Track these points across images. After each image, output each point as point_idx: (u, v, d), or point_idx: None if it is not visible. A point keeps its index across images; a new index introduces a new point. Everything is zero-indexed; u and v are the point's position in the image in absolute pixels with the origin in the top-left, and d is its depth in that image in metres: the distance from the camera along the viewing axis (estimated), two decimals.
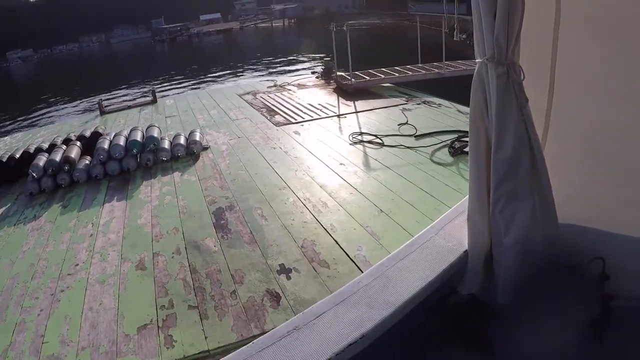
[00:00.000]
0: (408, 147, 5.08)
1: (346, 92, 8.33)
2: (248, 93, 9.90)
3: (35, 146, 6.65)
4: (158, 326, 2.82)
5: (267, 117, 7.46)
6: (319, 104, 7.86)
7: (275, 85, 10.44)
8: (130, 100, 13.08)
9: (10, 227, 4.72)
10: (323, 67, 10.32)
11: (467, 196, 1.57)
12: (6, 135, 11.36)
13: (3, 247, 4.29)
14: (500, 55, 1.29)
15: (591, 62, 1.50)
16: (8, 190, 5.86)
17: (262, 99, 8.98)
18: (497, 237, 1.52)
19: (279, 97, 8.99)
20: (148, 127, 6.33)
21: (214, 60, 37.64)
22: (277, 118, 7.32)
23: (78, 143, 6.25)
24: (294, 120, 7.03)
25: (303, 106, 7.89)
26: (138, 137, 5.94)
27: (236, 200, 4.41)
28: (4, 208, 5.31)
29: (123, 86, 25.41)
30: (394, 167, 4.60)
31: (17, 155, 6.39)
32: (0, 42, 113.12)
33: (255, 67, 26.83)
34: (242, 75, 23.83)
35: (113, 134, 6.37)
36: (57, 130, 8.94)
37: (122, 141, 5.85)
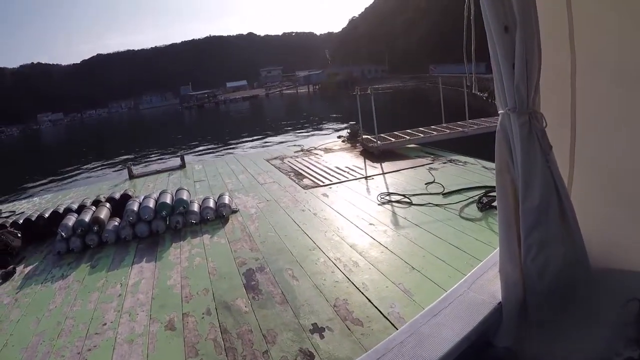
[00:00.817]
0: (436, 205, 5.10)
1: (372, 154, 8.48)
2: (275, 158, 10.15)
3: (64, 206, 6.79)
4: None
5: (295, 181, 7.59)
6: (346, 167, 8.01)
7: (302, 150, 10.67)
8: (159, 165, 13.47)
9: (38, 285, 4.78)
10: (349, 130, 10.56)
11: (498, 248, 1.56)
12: (34, 197, 11.78)
13: (30, 305, 4.31)
14: (522, 104, 1.33)
15: (610, 106, 1.53)
16: (36, 249, 5.94)
17: (289, 163, 9.18)
18: (530, 286, 1.50)
19: (306, 161, 9.20)
20: (177, 190, 6.43)
21: (241, 126, 38.68)
22: (305, 181, 7.44)
23: (107, 204, 6.36)
24: (321, 183, 7.14)
25: (330, 169, 8.03)
26: (167, 199, 6.03)
27: (266, 262, 4.42)
28: (32, 266, 5.37)
29: (151, 151, 26.24)
30: (423, 225, 4.61)
31: (46, 215, 6.52)
32: (33, 105, 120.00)
33: (281, 132, 27.51)
34: (269, 140, 24.35)
35: (142, 196, 6.46)
36: (86, 192, 9.23)
37: (151, 203, 5.93)
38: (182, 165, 10.84)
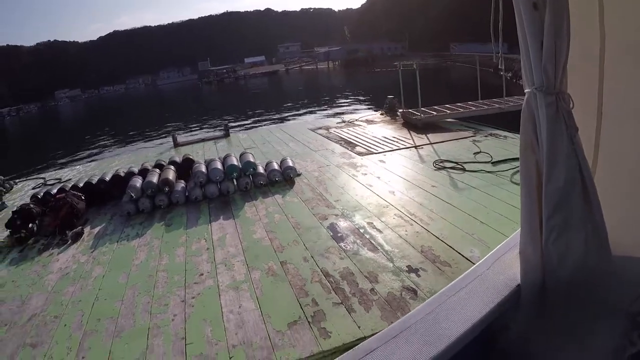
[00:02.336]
0: (488, 172, 5.45)
1: (415, 127, 8.82)
2: (320, 128, 10.46)
3: (124, 170, 7.00)
4: (308, 321, 3.04)
5: (348, 148, 7.93)
6: (393, 137, 8.36)
7: (344, 122, 10.93)
8: (203, 133, 13.70)
9: (113, 243, 5.03)
10: (387, 104, 10.89)
11: (519, 229, 1.55)
12: (77, 165, 12.10)
13: (112, 262, 4.55)
14: (549, 83, 1.29)
15: (638, 88, 1.48)
16: (98, 212, 6.19)
17: (336, 133, 9.49)
18: (550, 270, 1.48)
19: (351, 131, 9.49)
20: (242, 154, 6.68)
21: (265, 100, 38.16)
22: (358, 149, 7.78)
23: (172, 167, 6.57)
24: (374, 151, 7.47)
25: (378, 139, 8.38)
26: (234, 162, 6.24)
27: (346, 217, 4.79)
28: (100, 227, 5.62)
29: (170, 125, 26.30)
30: (480, 187, 5.00)
31: (107, 179, 6.77)
32: (50, 82, 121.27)
33: (309, 107, 27.37)
34: (300, 114, 24.12)
35: (202, 160, 6.73)
36: (132, 160, 9.49)
37: (219, 166, 6.16)
38: (227, 134, 11.16)
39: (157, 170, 6.52)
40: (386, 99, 11.20)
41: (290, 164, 6.48)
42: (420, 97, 8.94)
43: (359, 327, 2.80)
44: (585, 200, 1.40)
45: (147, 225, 5.42)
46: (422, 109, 9.23)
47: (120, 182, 6.56)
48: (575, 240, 1.42)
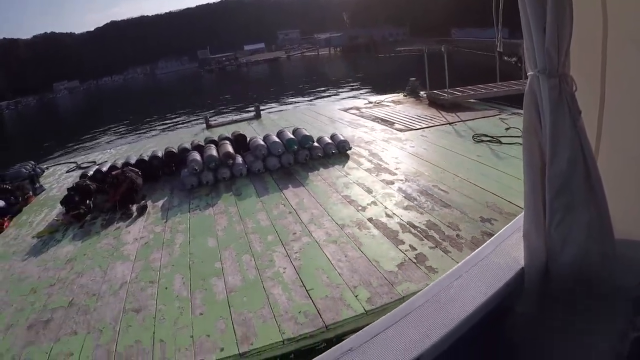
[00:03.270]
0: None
1: (442, 106, 9.25)
2: (350, 108, 10.90)
3: (174, 148, 7.39)
4: (414, 262, 3.57)
5: (386, 126, 8.38)
6: (425, 115, 8.81)
7: (371, 102, 11.37)
8: (234, 115, 13.97)
9: (185, 213, 5.33)
10: (409, 86, 11.38)
11: (523, 213, 1.54)
12: (108, 149, 12.45)
13: (193, 229, 4.87)
14: (552, 67, 1.29)
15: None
16: (153, 187, 6.45)
17: (369, 112, 9.94)
18: (553, 254, 1.48)
19: (382, 111, 9.97)
20: (295, 130, 7.05)
21: (271, 87, 37.99)
22: (397, 126, 8.26)
23: (227, 142, 6.90)
24: (413, 127, 7.90)
25: (411, 117, 8.85)
26: (289, 137, 6.65)
27: (410, 181, 5.35)
28: (162, 200, 5.91)
29: (178, 114, 26.36)
30: (519, 157, 5.88)
31: (160, 155, 7.14)
32: (48, 74, 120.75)
33: (321, 92, 27.38)
34: (312, 99, 24.00)
35: (257, 136, 7.13)
36: (166, 142, 9.61)
37: (278, 139, 6.56)
38: (258, 116, 11.49)
39: (213, 145, 6.82)
40: (408, 81, 11.58)
41: (342, 137, 6.86)
42: (447, 78, 9.38)
43: (457, 263, 3.07)
44: (588, 183, 1.39)
45: (215, 196, 5.69)
46: (447, 90, 9.66)
47: (173, 158, 6.91)
48: (578, 224, 1.42)
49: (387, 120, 8.84)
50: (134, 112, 34.16)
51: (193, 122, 19.83)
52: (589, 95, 1.53)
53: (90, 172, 7.11)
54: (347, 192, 5.29)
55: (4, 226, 6.22)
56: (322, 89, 28.43)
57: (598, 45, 1.52)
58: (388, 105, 10.68)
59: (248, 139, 7.04)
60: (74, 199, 5.89)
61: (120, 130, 24.32)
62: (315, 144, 6.73)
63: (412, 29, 69.03)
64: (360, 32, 77.89)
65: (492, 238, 1.74)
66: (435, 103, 9.78)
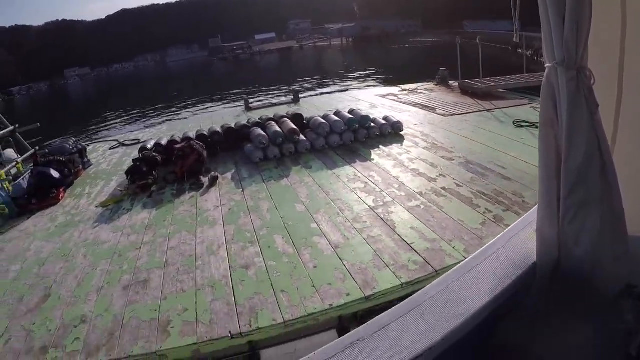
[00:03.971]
0: None
1: (475, 95, 9.51)
2: (388, 95, 11.22)
3: (218, 127, 7.72)
4: (492, 221, 4.04)
5: (428, 111, 8.67)
6: (462, 102, 9.07)
7: (404, 90, 11.66)
8: (272, 99, 14.37)
9: (260, 184, 5.65)
10: (439, 75, 11.76)
11: (536, 206, 1.53)
12: (149, 128, 12.84)
13: (275, 197, 5.20)
14: (570, 59, 1.26)
15: None
16: (215, 160, 6.74)
17: (407, 99, 10.23)
18: (566, 249, 1.46)
19: (420, 97, 10.27)
20: (351, 110, 7.34)
21: (292, 74, 38.05)
22: (439, 111, 8.49)
23: (288, 120, 7.23)
24: (455, 113, 8.16)
25: (448, 103, 9.12)
26: (350, 116, 7.05)
27: (469, 159, 5.66)
28: (230, 172, 6.21)
29: (211, 98, 26.66)
30: None
31: (219, 130, 7.49)
32: (59, 61, 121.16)
33: (348, 80, 27.37)
34: (340, 88, 23.79)
35: (315, 115, 7.54)
36: (208, 122, 9.94)
37: (338, 119, 6.98)
38: (296, 100, 11.81)
39: (273, 122, 7.14)
40: (439, 71, 11.99)
41: (395, 119, 7.15)
42: (481, 68, 9.95)
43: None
44: (604, 178, 1.37)
45: (285, 169, 5.98)
46: (481, 79, 10.17)
47: (233, 134, 7.23)
48: (592, 219, 1.40)
49: (428, 106, 9.17)
50: (152, 97, 34.25)
51: (223, 106, 20.58)
52: (606, 89, 1.50)
53: (149, 145, 7.38)
54: (413, 166, 5.66)
55: (60, 197, 6.48)
56: (350, 76, 28.36)
57: (617, 39, 1.50)
58: (423, 93, 10.99)
59: (306, 118, 7.47)
60: (142, 170, 6.19)
61: (148, 113, 24.65)
62: (372, 124, 7.08)
63: (423, 21, 68.43)
64: (373, 24, 77.50)
65: (503, 232, 1.72)
66: (467, 92, 10.15)
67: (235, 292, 3.44)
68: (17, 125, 8.37)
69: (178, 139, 7.30)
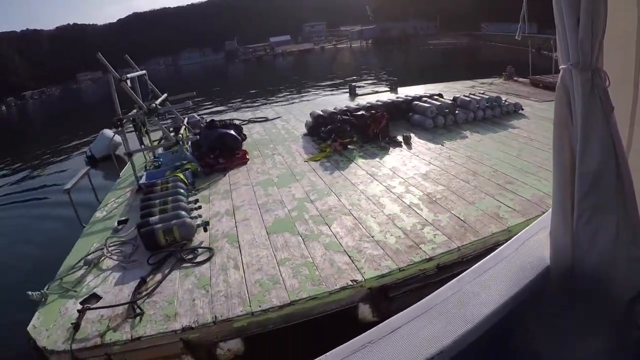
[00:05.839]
0: None
1: (547, 88, 10.32)
2: (470, 87, 11.86)
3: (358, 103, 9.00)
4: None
5: (521, 99, 9.24)
6: (542, 93, 9.92)
7: (484, 82, 12.47)
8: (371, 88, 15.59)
9: (437, 144, 6.63)
10: (506, 72, 12.66)
11: (549, 211, 1.51)
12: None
13: (459, 154, 6.01)
14: (585, 61, 1.25)
15: None
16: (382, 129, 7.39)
17: (488, 89, 10.93)
18: (579, 254, 1.44)
19: (502, 89, 10.97)
20: (482, 93, 8.52)
21: (332, 74, 36.70)
22: (531, 99, 9.36)
23: (438, 97, 8.54)
24: (546, 100, 8.96)
25: (533, 94, 9.94)
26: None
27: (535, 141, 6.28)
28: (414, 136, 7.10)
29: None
30: None
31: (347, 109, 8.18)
32: (71, 65, 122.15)
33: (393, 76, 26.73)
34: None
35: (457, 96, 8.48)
36: (322, 106, 9.89)
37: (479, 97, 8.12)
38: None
39: (427, 98, 8.37)
40: (507, 68, 12.86)
41: (512, 101, 8.29)
42: (553, 65, 9.89)
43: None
44: (618, 182, 1.35)
45: (440, 134, 7.16)
46: (553, 75, 10.60)
47: (394, 107, 8.34)
48: (606, 224, 1.38)
49: (518, 95, 9.80)
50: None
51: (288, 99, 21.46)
52: (622, 91, 1.48)
53: (319, 112, 8.33)
54: (503, 149, 6.14)
55: (246, 157, 6.94)
56: (396, 74, 27.57)
57: (632, 41, 1.47)
58: (500, 86, 11.72)
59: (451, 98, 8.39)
60: (346, 129, 7.09)
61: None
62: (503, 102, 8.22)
63: (441, 23, 68.12)
64: (392, 25, 77.26)
65: (515, 236, 1.70)
66: (538, 85, 10.97)
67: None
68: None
69: (324, 114, 8.16)
